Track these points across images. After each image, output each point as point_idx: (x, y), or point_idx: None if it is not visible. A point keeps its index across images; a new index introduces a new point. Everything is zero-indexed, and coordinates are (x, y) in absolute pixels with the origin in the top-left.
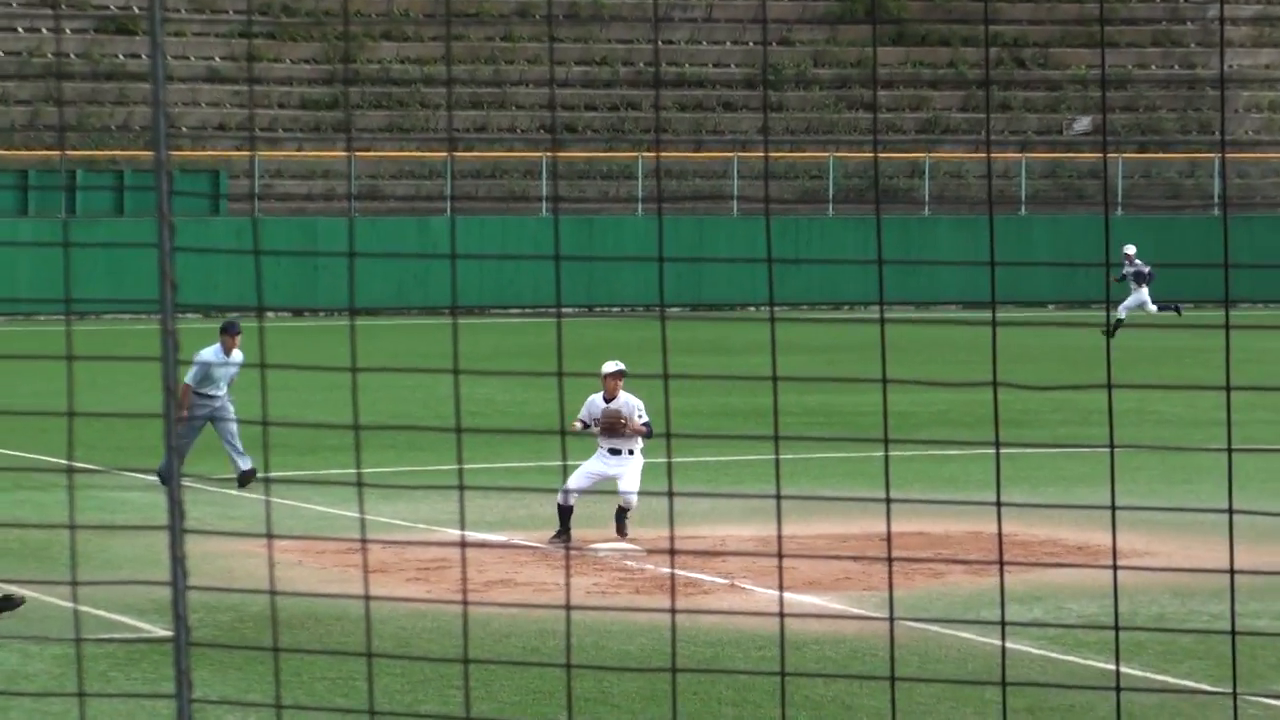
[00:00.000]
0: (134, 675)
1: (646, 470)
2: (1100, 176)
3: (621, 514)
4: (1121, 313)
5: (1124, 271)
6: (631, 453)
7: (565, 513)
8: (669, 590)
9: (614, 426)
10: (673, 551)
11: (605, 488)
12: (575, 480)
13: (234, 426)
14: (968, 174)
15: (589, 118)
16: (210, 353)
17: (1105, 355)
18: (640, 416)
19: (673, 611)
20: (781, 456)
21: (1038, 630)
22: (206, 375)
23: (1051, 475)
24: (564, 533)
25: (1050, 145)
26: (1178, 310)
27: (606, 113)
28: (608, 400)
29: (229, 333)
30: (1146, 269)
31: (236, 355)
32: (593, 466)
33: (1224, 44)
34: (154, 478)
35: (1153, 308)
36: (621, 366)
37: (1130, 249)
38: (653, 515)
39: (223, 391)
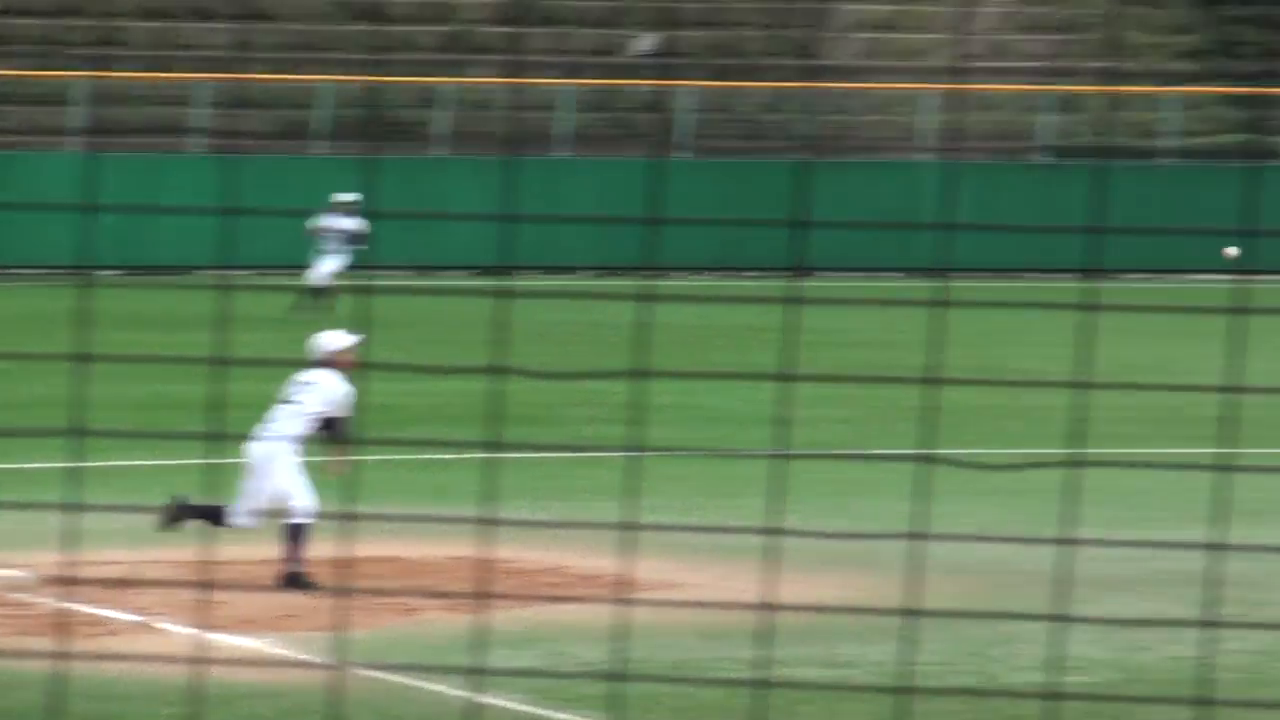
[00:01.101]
0: None
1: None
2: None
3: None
4: (327, 280)
5: (323, 223)
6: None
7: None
8: (65, 631)
9: None
10: (73, 580)
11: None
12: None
13: None
14: (498, 105)
15: (21, 26)
16: None
17: (646, 338)
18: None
19: (62, 656)
20: (212, 461)
21: (526, 681)
22: None
23: (567, 487)
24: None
25: (606, 70)
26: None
27: (41, 19)
28: None
29: None
30: (364, 227)
31: None
32: None
33: None
34: None
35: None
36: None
37: (350, 197)
38: (49, 533)
39: None
